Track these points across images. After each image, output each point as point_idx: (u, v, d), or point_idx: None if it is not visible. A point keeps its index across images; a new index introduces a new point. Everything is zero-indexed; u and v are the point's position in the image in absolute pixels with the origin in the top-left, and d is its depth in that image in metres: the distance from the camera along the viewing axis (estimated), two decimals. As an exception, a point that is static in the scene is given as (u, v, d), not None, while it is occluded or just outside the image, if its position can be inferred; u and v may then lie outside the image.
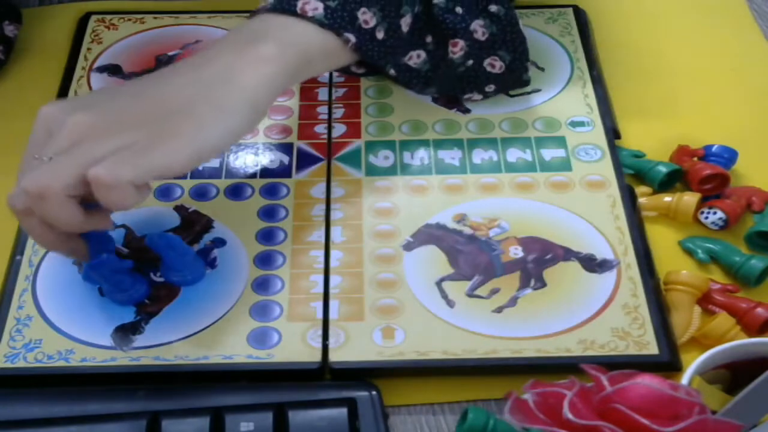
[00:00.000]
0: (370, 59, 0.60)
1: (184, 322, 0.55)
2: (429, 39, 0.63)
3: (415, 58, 0.63)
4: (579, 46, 0.73)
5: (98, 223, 0.52)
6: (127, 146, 0.49)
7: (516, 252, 0.59)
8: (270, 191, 0.63)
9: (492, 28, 0.63)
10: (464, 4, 0.62)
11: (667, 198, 0.62)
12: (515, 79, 0.66)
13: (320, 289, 0.57)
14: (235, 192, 0.63)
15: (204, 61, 0.54)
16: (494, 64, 0.64)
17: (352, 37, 0.57)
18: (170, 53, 0.73)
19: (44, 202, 0.48)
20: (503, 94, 0.69)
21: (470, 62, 0.63)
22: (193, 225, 0.61)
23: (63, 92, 0.70)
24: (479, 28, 0.62)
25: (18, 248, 0.59)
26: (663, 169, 0.63)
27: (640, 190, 0.63)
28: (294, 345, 0.54)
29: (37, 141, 0.51)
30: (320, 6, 0.56)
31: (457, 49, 0.62)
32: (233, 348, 0.54)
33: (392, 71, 0.63)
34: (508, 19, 0.63)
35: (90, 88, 0.70)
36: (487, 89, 0.66)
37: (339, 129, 0.67)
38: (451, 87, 0.66)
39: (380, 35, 0.59)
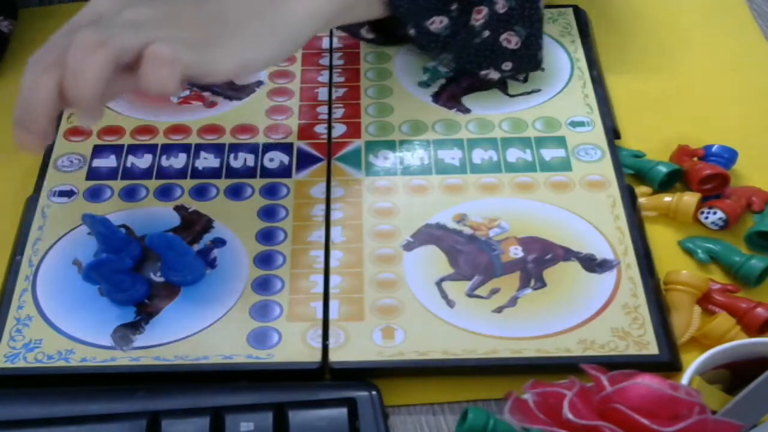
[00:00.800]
0: (399, 14, 0.62)
1: (184, 322, 0.55)
2: (454, 6, 0.64)
3: (437, 23, 0.64)
4: (579, 46, 0.73)
5: (106, 98, 0.52)
6: (185, 40, 0.51)
7: (516, 252, 0.59)
8: (270, 191, 0.63)
9: (511, 2, 0.64)
10: None
11: (667, 198, 0.62)
12: (531, 57, 0.67)
13: (320, 289, 0.57)
14: (235, 192, 0.63)
15: None
16: (510, 39, 0.65)
17: None
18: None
19: (94, 55, 0.49)
20: (504, 94, 0.69)
21: (486, 33, 0.65)
22: (193, 225, 0.61)
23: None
24: (500, 1, 0.64)
25: (18, 248, 0.59)
26: (663, 169, 0.63)
27: (640, 190, 0.63)
28: (294, 345, 0.54)
29: (81, 22, 0.52)
30: None
31: (480, 16, 0.64)
32: (233, 348, 0.54)
33: (413, 31, 0.64)
34: None
35: (90, 88, 0.70)
36: (503, 67, 0.67)
37: (339, 129, 0.67)
38: (468, 60, 0.67)
39: None
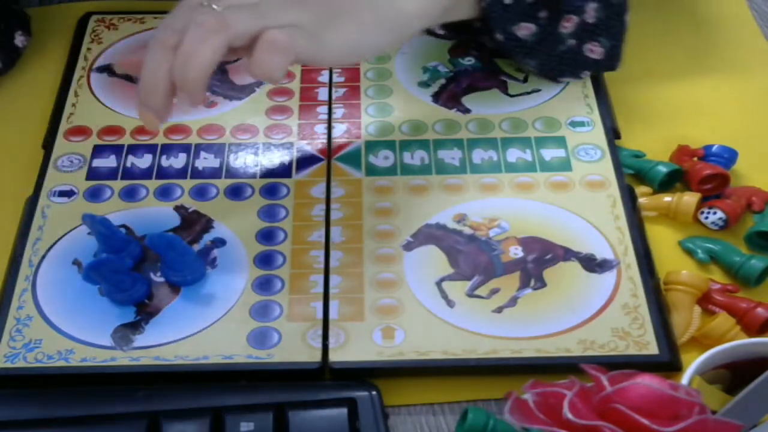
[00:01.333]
0: (491, 20, 0.64)
1: (184, 322, 0.55)
2: (543, 14, 0.65)
3: (524, 29, 0.65)
4: (579, 46, 0.73)
5: (205, 85, 0.52)
6: (299, 25, 0.52)
7: (516, 252, 0.59)
8: (270, 191, 0.63)
9: (601, 13, 0.65)
10: None
11: (667, 198, 0.62)
12: (610, 67, 0.68)
13: (320, 289, 0.57)
14: (235, 192, 0.63)
15: None
16: (594, 50, 0.66)
17: None
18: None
19: (208, 40, 0.50)
20: (504, 94, 0.69)
21: (572, 42, 0.65)
22: (193, 225, 0.61)
23: (63, 92, 0.70)
24: (591, 11, 0.64)
25: (18, 248, 0.59)
26: (663, 169, 0.63)
27: (640, 190, 0.63)
28: (294, 345, 0.54)
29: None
30: None
31: (570, 24, 0.65)
32: (233, 348, 0.54)
33: (500, 36, 0.65)
34: (619, 7, 0.65)
35: (90, 88, 0.70)
36: (582, 75, 0.68)
37: (339, 129, 0.67)
38: (551, 67, 0.68)
39: (508, 1, 0.62)
